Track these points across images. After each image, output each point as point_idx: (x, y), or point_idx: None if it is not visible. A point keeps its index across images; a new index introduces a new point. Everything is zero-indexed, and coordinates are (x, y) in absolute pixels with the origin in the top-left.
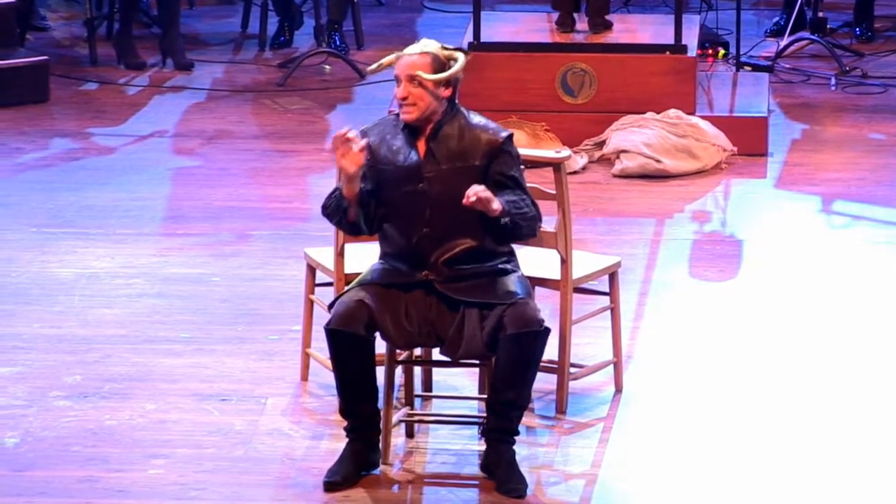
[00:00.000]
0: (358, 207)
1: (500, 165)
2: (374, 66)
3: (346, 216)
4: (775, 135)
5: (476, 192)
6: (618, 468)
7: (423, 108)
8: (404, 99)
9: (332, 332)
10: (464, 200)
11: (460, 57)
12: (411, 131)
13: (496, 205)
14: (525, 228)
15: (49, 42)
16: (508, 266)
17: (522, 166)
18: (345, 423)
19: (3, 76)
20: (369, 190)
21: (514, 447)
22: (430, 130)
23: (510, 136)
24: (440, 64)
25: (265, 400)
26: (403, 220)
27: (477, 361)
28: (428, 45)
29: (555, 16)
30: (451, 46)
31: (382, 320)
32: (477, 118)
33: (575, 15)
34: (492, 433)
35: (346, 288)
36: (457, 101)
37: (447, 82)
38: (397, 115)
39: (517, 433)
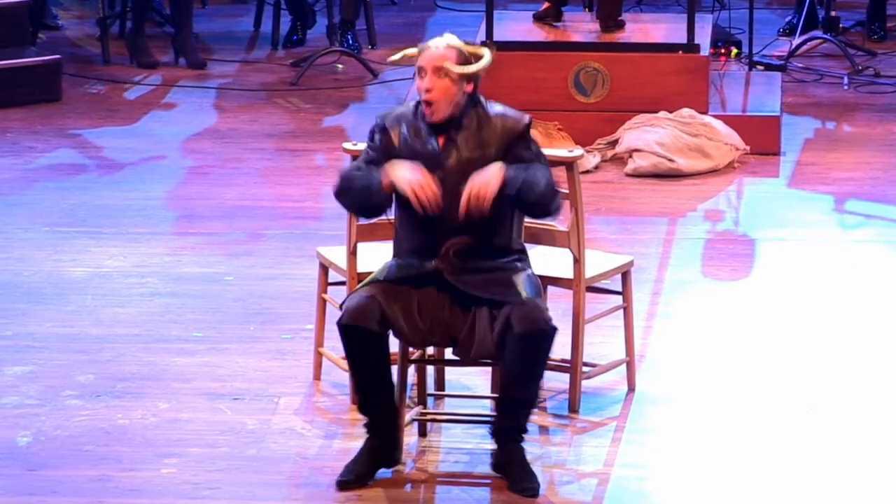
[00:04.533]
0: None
1: (519, 150)
2: (396, 56)
3: (371, 200)
4: (788, 134)
5: (464, 201)
6: (630, 467)
7: (447, 102)
8: (428, 90)
9: (344, 328)
10: (460, 212)
11: (486, 53)
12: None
13: (492, 188)
14: (537, 197)
15: (61, 41)
16: (519, 265)
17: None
18: (362, 421)
19: (15, 75)
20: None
21: (524, 445)
22: (450, 122)
23: (529, 123)
24: (465, 59)
25: (278, 399)
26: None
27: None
28: (452, 39)
29: (567, 15)
30: (472, 43)
31: (394, 317)
32: (496, 107)
33: (588, 13)
34: (500, 432)
35: (358, 286)
36: (477, 93)
37: (470, 78)
38: (418, 102)
39: (526, 431)
